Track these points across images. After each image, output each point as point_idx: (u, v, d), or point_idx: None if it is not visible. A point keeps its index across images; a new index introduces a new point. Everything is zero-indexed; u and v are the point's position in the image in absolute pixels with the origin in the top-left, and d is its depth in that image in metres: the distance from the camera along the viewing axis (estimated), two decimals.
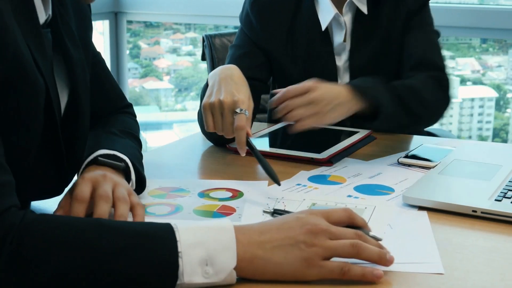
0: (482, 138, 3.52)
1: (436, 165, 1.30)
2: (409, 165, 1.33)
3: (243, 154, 1.23)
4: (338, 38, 1.59)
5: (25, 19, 0.92)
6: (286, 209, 1.06)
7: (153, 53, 4.06)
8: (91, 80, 1.14)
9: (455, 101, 3.51)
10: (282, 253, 0.82)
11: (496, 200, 1.10)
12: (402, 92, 1.46)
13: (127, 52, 3.61)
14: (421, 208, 1.10)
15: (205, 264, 0.78)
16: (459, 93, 3.50)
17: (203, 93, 1.36)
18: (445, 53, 3.48)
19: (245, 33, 1.60)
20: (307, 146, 1.45)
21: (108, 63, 3.53)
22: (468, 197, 1.11)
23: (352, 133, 1.52)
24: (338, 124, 1.60)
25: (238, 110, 1.22)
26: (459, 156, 1.35)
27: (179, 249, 0.77)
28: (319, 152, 1.36)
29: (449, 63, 3.48)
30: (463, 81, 3.52)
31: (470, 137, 3.55)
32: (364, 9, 1.56)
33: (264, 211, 1.05)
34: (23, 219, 0.77)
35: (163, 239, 0.78)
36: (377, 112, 1.42)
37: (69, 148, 1.06)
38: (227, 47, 1.83)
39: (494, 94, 3.50)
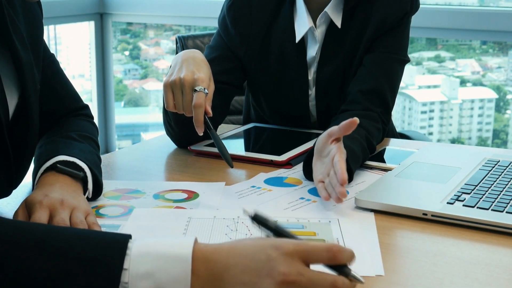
0: (482, 140, 3.49)
1: (396, 167, 1.29)
2: (370, 168, 1.32)
3: (201, 133, 1.23)
4: (312, 51, 1.54)
5: None
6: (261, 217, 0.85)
7: (153, 54, 4.07)
8: (42, 82, 1.14)
9: (454, 102, 3.48)
10: None
11: (448, 203, 1.08)
12: (365, 152, 1.34)
13: (113, 52, 3.61)
14: (373, 211, 1.09)
15: None
16: (459, 94, 3.47)
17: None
18: (445, 54, 3.46)
19: (221, 36, 1.58)
20: (268, 148, 1.44)
21: (93, 64, 3.53)
22: (420, 200, 1.10)
23: (314, 136, 1.49)
24: (304, 126, 1.60)
25: (197, 88, 1.22)
26: (419, 159, 1.33)
27: (126, 280, 0.71)
28: (279, 154, 1.36)
29: (449, 64, 3.46)
30: (463, 82, 3.48)
31: (470, 138, 3.53)
32: (338, 22, 1.50)
33: (245, 210, 0.85)
34: None
35: (107, 267, 0.72)
36: None
37: (18, 151, 1.06)
38: (200, 48, 1.83)
39: (494, 95, 3.47)
